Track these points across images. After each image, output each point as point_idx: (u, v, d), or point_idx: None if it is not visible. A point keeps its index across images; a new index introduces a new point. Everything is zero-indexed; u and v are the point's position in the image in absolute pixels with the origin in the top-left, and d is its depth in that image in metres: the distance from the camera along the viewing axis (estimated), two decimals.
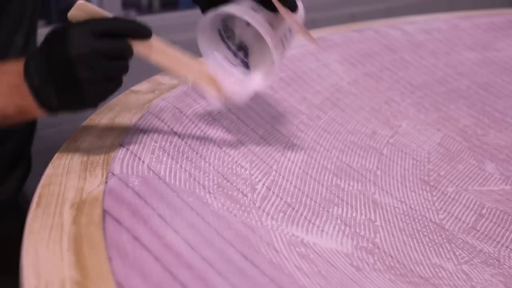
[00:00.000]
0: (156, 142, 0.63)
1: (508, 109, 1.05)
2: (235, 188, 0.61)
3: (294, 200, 0.64)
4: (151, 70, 0.91)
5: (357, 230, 0.63)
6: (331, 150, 0.79)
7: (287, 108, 0.84)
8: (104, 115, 0.67)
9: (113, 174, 0.53)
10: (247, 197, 0.61)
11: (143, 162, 0.58)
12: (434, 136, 0.93)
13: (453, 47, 1.19)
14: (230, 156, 0.67)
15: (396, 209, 0.71)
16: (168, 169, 0.59)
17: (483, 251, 0.67)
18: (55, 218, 0.46)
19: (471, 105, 1.04)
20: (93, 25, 0.52)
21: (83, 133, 0.62)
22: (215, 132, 0.71)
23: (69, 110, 0.55)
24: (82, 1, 0.55)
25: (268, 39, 0.58)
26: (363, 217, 0.66)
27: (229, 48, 0.65)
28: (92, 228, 0.45)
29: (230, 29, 0.64)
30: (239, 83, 0.63)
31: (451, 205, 0.75)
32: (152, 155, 0.60)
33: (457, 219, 0.73)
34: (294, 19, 0.60)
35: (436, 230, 0.69)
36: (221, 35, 0.65)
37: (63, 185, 0.51)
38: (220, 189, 0.60)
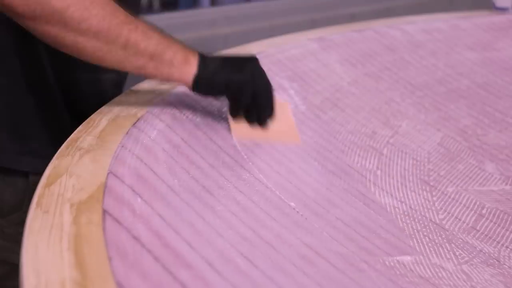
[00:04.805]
0: (156, 142, 0.63)
1: (508, 109, 1.05)
2: (235, 188, 0.61)
3: (294, 200, 0.64)
4: None
5: (358, 231, 0.63)
6: (331, 150, 0.79)
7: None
8: (104, 115, 0.67)
9: (113, 174, 0.53)
10: (248, 197, 0.61)
11: (144, 162, 0.58)
12: (434, 136, 0.93)
13: (453, 47, 1.19)
14: (230, 156, 0.67)
15: (396, 209, 0.71)
16: (168, 169, 0.59)
17: (483, 251, 0.67)
18: (55, 218, 0.46)
19: (471, 105, 1.04)
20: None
21: (83, 133, 0.62)
22: (215, 133, 0.71)
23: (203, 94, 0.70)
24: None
25: None
26: (363, 217, 0.66)
27: None
28: (92, 228, 0.45)
29: None
30: None
31: (451, 205, 0.75)
32: (152, 155, 0.60)
33: (457, 219, 0.73)
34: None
35: (436, 230, 0.69)
36: None
37: (63, 185, 0.51)
38: (221, 189, 0.60)
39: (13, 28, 0.68)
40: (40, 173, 0.53)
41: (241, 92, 0.69)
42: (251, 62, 0.71)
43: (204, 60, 0.67)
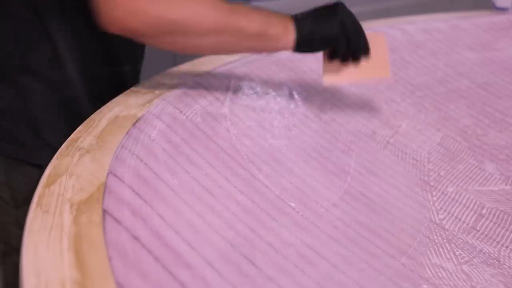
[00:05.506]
0: (156, 142, 0.63)
1: (508, 109, 1.05)
2: (235, 188, 0.61)
3: (294, 200, 0.64)
4: (152, 70, 0.91)
5: (358, 231, 0.63)
6: (331, 150, 0.79)
7: (287, 108, 0.84)
8: (104, 115, 0.67)
9: (113, 174, 0.53)
10: (248, 197, 0.61)
11: (143, 162, 0.58)
12: (434, 136, 0.93)
13: (453, 47, 1.19)
14: (230, 156, 0.67)
15: (396, 209, 0.71)
16: (168, 169, 0.59)
17: (483, 251, 0.67)
18: (55, 218, 0.46)
19: (471, 105, 1.04)
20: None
21: (83, 133, 0.62)
22: (216, 133, 0.71)
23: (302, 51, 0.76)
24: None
25: None
26: (363, 217, 0.66)
27: None
28: (92, 228, 0.45)
29: None
30: None
31: (451, 205, 0.75)
32: (152, 155, 0.60)
33: (457, 219, 0.73)
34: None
35: (436, 230, 0.69)
36: None
37: (63, 185, 0.51)
38: (221, 189, 0.60)
39: (33, 26, 0.71)
40: None
41: (336, 44, 0.74)
42: (338, 12, 0.74)
43: (299, 24, 0.73)
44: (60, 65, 0.74)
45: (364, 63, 0.78)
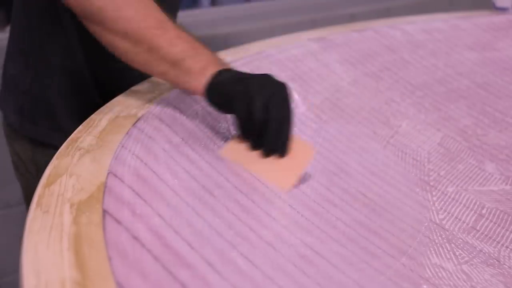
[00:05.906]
0: (156, 142, 0.63)
1: (508, 109, 1.05)
2: (235, 189, 0.61)
3: (294, 200, 0.64)
4: None
5: (358, 231, 0.63)
6: (331, 150, 0.79)
7: None
8: (104, 115, 0.67)
9: (113, 174, 0.53)
10: (248, 197, 0.61)
11: (143, 162, 0.58)
12: (434, 136, 0.93)
13: (453, 47, 1.19)
14: None
15: (396, 209, 0.71)
16: (168, 169, 0.59)
17: (483, 251, 0.67)
18: (55, 218, 0.46)
19: (471, 105, 1.04)
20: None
21: (83, 133, 0.62)
22: (215, 132, 0.71)
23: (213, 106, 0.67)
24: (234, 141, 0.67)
25: None
26: (363, 217, 0.66)
27: None
28: (92, 228, 0.45)
29: None
30: None
31: (451, 205, 0.75)
32: (152, 155, 0.60)
33: (457, 219, 0.73)
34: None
35: (436, 230, 0.69)
36: None
37: (63, 185, 0.51)
38: (221, 189, 0.60)
39: (51, 19, 0.80)
40: None
41: (233, 106, 0.64)
42: (259, 79, 0.65)
43: (221, 72, 0.65)
44: (72, 55, 0.82)
45: (270, 161, 0.65)
